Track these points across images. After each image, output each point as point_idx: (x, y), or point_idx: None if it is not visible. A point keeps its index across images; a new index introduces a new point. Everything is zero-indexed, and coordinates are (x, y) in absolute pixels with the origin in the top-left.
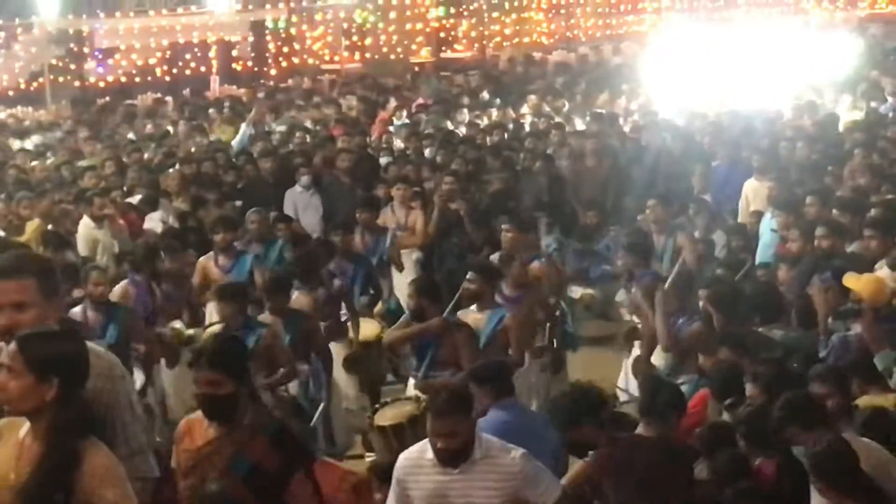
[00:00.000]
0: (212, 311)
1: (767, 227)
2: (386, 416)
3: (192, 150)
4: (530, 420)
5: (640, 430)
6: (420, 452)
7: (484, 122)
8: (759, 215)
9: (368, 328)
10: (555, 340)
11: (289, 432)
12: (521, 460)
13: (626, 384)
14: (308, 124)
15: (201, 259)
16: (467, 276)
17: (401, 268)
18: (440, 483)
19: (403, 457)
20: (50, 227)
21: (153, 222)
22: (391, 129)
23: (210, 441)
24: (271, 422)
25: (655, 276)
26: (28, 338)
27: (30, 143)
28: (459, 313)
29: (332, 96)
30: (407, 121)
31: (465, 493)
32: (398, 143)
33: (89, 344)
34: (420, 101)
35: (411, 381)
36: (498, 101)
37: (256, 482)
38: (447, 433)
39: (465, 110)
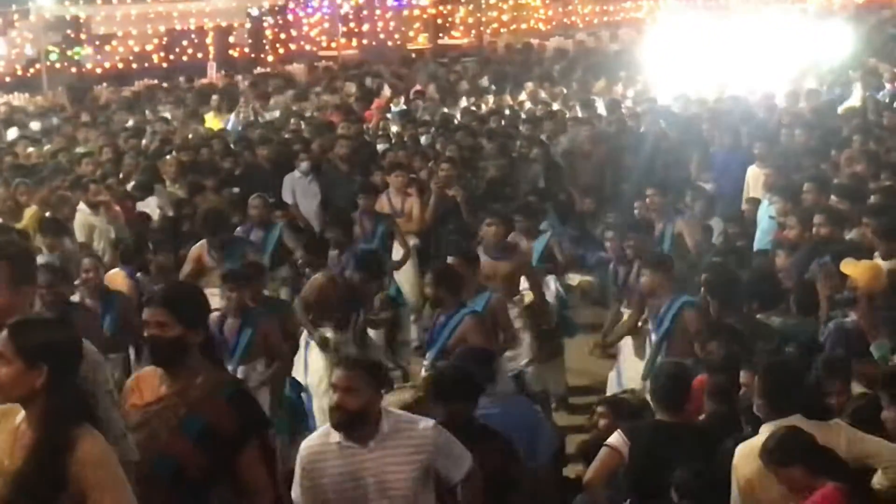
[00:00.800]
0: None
1: (766, 214)
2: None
3: (189, 136)
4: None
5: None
6: (324, 437)
7: (482, 108)
8: (756, 202)
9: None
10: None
11: (247, 395)
12: (431, 431)
13: (619, 377)
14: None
15: (195, 247)
16: (426, 282)
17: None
18: (351, 464)
19: (305, 445)
20: (48, 213)
21: (149, 209)
22: (388, 115)
23: (161, 397)
24: (228, 382)
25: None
26: (19, 324)
27: (27, 130)
28: None
29: (332, 83)
30: (405, 107)
31: (378, 471)
32: (395, 130)
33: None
34: (417, 87)
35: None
36: (494, 87)
37: (207, 445)
38: (345, 387)
39: (463, 97)
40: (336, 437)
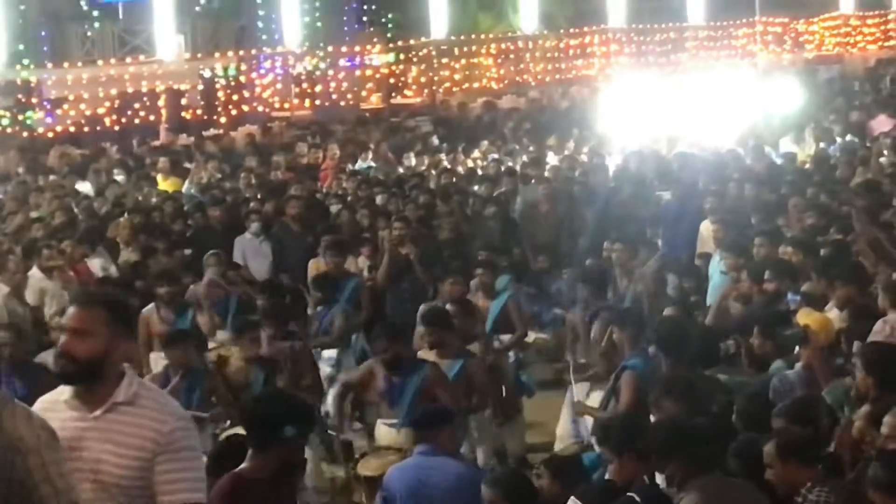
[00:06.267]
0: (155, 361)
1: (717, 269)
2: (371, 466)
3: (140, 199)
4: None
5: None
6: (58, 394)
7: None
8: (708, 257)
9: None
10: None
11: None
12: (176, 423)
13: (575, 425)
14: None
15: (143, 312)
16: (422, 331)
17: None
18: (71, 429)
19: (41, 399)
20: None
21: (94, 269)
22: (341, 175)
23: None
24: None
25: (614, 310)
26: None
27: None
28: (420, 353)
29: (284, 142)
30: (364, 165)
31: (96, 445)
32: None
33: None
34: (371, 147)
35: (382, 428)
36: (446, 145)
37: None
38: (75, 327)
39: (413, 155)
40: (66, 392)
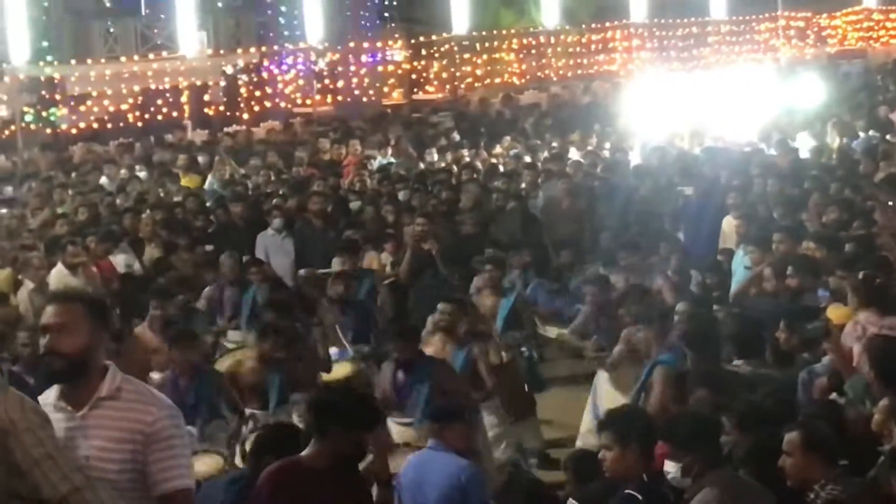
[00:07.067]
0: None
1: (740, 265)
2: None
3: (163, 195)
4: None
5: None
6: (44, 398)
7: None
8: (729, 253)
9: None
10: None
11: None
12: (160, 412)
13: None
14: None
15: (136, 329)
16: (442, 309)
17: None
18: (58, 427)
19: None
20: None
21: (118, 265)
22: (363, 171)
23: None
24: None
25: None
26: None
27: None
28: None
29: (306, 138)
30: (383, 161)
31: (85, 443)
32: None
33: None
34: (393, 142)
35: (392, 427)
36: (465, 141)
37: None
38: (58, 324)
39: (435, 151)
40: (52, 395)
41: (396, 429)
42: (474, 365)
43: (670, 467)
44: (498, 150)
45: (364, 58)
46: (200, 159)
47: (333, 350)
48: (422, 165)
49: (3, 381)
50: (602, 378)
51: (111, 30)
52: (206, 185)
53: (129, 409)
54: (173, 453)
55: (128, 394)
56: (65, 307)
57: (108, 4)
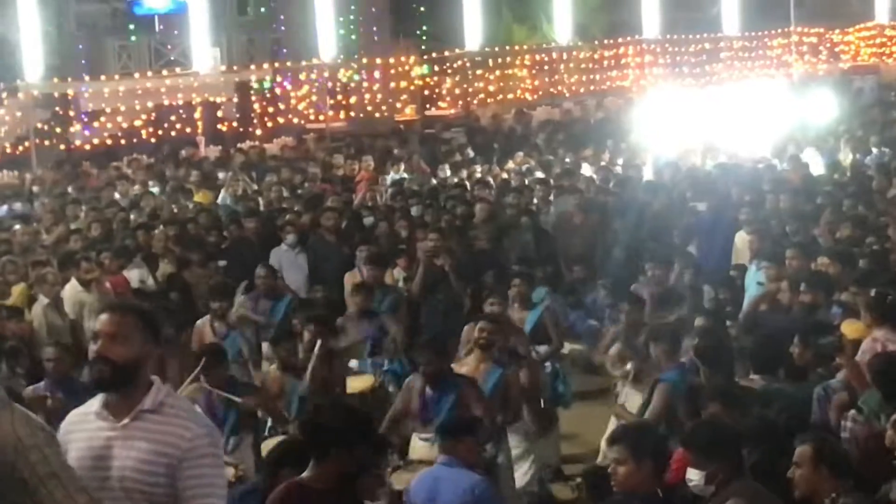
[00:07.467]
0: None
1: (754, 280)
2: (403, 480)
3: (176, 210)
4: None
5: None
6: (88, 406)
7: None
8: (742, 269)
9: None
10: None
11: None
12: (198, 430)
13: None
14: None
15: (197, 324)
16: (482, 326)
17: None
18: (98, 438)
19: (72, 413)
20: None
21: (131, 280)
22: (375, 187)
23: None
24: None
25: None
26: None
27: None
28: (455, 366)
29: (319, 154)
30: (396, 177)
31: (122, 453)
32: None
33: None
34: (405, 158)
35: (417, 442)
36: (477, 156)
37: None
38: (111, 332)
39: (448, 167)
40: (96, 404)
41: (419, 445)
42: (507, 387)
43: (693, 475)
44: (510, 165)
45: (377, 73)
46: (220, 175)
47: (353, 362)
48: (434, 181)
49: (4, 397)
50: (628, 392)
51: (125, 46)
52: (220, 201)
53: (168, 423)
54: (205, 472)
55: (170, 409)
56: (120, 316)
57: (121, 21)
